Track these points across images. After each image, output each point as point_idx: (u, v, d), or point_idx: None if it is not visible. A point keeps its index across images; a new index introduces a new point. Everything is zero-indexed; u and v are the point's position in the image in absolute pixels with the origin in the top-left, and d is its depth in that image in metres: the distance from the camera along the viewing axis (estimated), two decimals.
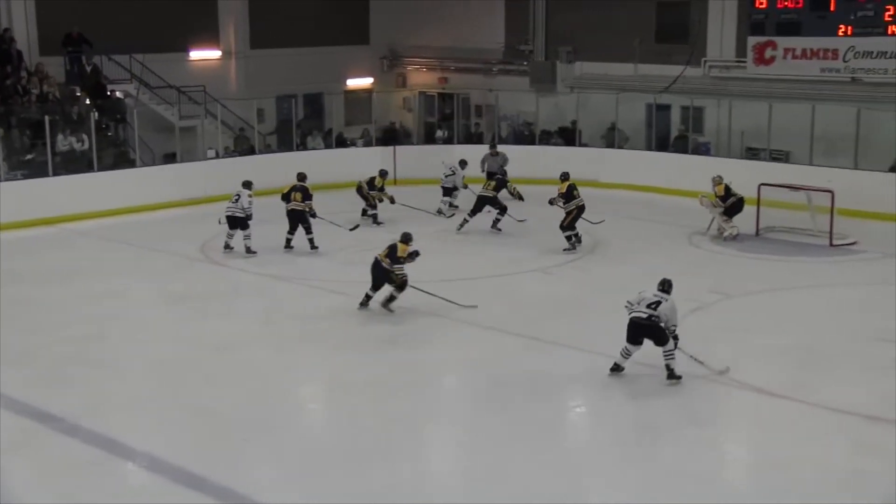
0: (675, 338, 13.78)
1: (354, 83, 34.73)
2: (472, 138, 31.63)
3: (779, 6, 27.14)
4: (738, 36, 28.48)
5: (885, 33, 25.56)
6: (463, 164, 25.01)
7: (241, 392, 13.68)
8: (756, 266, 20.28)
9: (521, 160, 28.17)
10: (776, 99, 26.27)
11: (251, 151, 28.59)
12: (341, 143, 30.80)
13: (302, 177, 21.50)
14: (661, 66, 29.34)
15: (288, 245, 21.17)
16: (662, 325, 13.63)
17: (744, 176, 23.58)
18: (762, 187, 22.75)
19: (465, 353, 15.61)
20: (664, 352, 13.69)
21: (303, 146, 29.29)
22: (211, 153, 27.75)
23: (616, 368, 14.09)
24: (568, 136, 30.21)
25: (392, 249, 16.75)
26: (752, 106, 26.66)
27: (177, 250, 21.44)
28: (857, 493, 11.09)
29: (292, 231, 21.15)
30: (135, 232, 23.06)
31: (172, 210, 25.09)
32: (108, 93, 28.25)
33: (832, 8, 26.28)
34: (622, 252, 20.91)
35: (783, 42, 27.28)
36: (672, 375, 13.75)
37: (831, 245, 21.15)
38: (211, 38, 32.05)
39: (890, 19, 25.43)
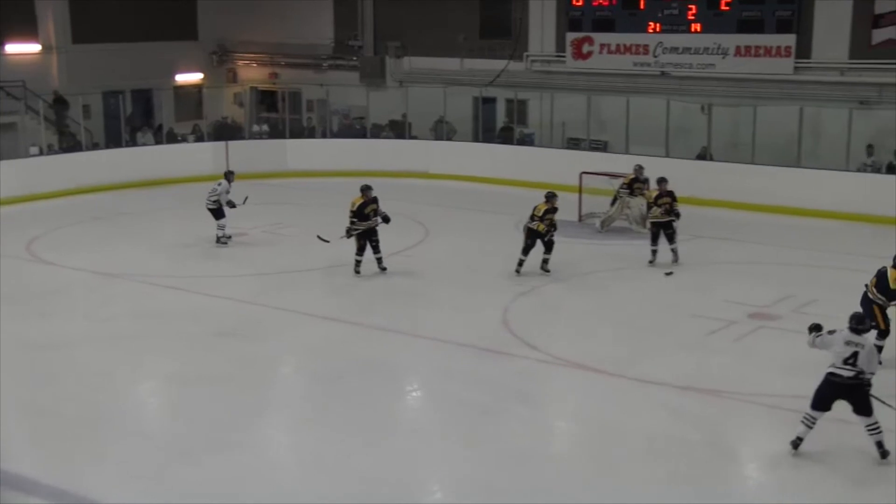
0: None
1: (184, 78, 34.16)
2: (304, 132, 31.56)
3: (594, 3, 28.00)
4: (558, 32, 29.08)
5: (688, 31, 26.70)
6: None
7: (73, 391, 13.44)
8: (579, 250, 20.74)
9: (353, 153, 28.49)
10: (594, 92, 26.96)
11: (78, 148, 27.95)
12: (172, 138, 30.35)
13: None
14: (486, 60, 29.75)
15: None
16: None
17: (566, 165, 24.25)
18: (583, 175, 23.38)
19: (301, 342, 15.69)
20: (867, 426, 11.09)
21: (132, 142, 28.77)
22: (34, 150, 27.06)
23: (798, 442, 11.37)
24: (398, 129, 30.36)
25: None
26: (572, 98, 27.31)
27: (2, 251, 20.61)
28: (675, 458, 11.54)
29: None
30: None
31: None
32: None
33: (642, 6, 27.32)
34: (452, 241, 21.25)
35: (599, 38, 28.10)
36: (885, 453, 11.09)
37: (647, 229, 21.84)
38: (29, 32, 31.00)
39: (693, 17, 26.59)
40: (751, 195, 23.98)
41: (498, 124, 30.18)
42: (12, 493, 10.50)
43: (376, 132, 30.66)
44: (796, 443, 11.25)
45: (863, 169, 23.71)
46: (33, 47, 31.31)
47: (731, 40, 26.30)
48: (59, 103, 29.29)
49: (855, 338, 11.05)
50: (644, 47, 27.45)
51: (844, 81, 25.13)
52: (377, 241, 18.65)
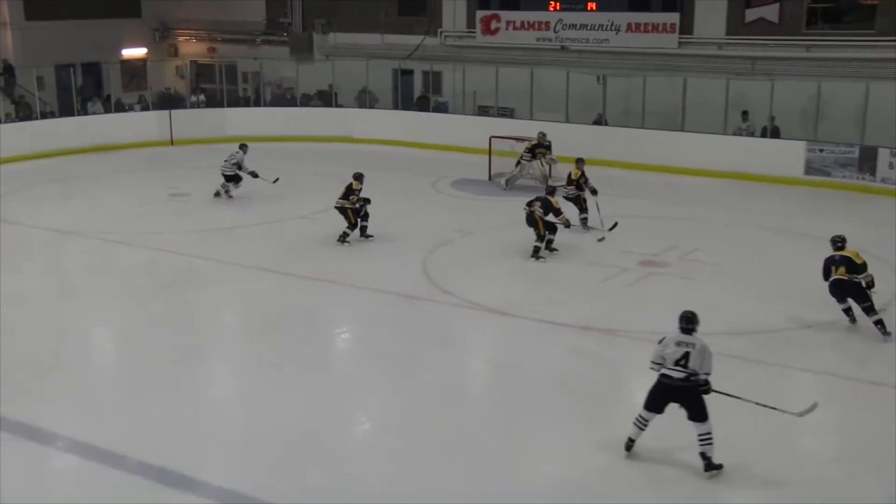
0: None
1: (129, 53, 33.46)
2: (240, 102, 31.16)
3: None
4: (469, 10, 28.98)
5: (585, 9, 26.79)
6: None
7: (28, 338, 13.11)
8: (489, 206, 20.73)
9: (285, 120, 28.28)
10: (501, 64, 26.88)
11: (33, 116, 27.27)
12: (120, 107, 29.75)
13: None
14: (404, 36, 29.53)
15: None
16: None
17: (477, 130, 24.18)
18: (493, 139, 23.30)
19: (238, 292, 15.51)
20: (699, 435, 9.49)
21: (83, 111, 28.16)
22: None
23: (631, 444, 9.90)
24: (326, 98, 30.08)
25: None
26: (481, 70, 27.17)
27: None
28: (575, 391, 11.60)
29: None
30: None
31: None
32: None
33: None
34: (375, 199, 21.02)
35: (505, 15, 28.08)
36: (711, 466, 9.47)
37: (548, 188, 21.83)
38: None
39: None
40: (641, 156, 24.14)
41: (415, 94, 29.98)
42: None
43: (305, 101, 30.36)
44: (629, 445, 9.74)
45: (738, 133, 23.88)
46: None
47: (623, 18, 26.37)
48: (7, 72, 28.53)
49: (685, 338, 9.53)
50: (546, 24, 27.42)
51: (722, 55, 25.29)
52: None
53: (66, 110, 27.98)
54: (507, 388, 11.89)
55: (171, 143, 27.83)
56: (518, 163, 22.27)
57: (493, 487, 9.28)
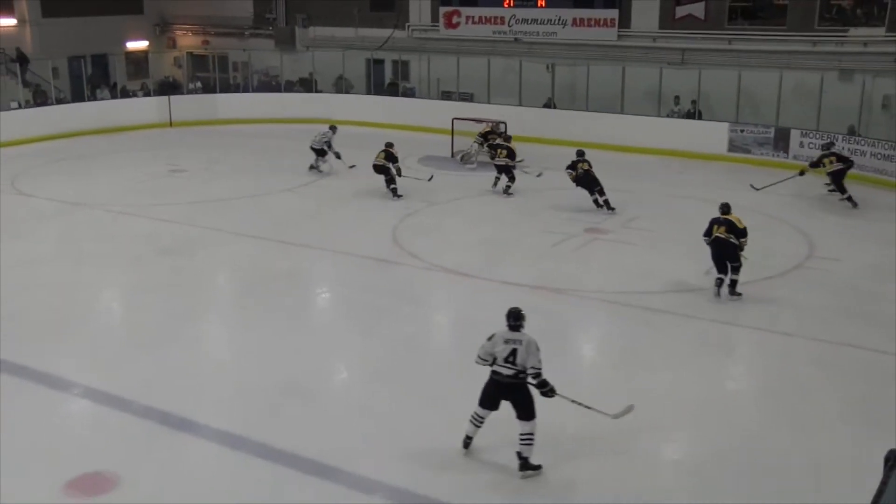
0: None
1: (133, 45, 32.97)
2: (231, 88, 30.79)
3: None
4: (433, 6, 28.73)
5: (536, 6, 26.70)
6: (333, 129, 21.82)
7: (44, 298, 12.96)
8: (454, 180, 20.55)
9: (270, 105, 28.16)
10: (462, 54, 26.74)
11: (48, 102, 26.85)
12: (125, 94, 29.38)
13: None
14: (376, 29, 29.32)
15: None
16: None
17: (441, 112, 24.07)
18: (455, 120, 23.19)
19: (228, 257, 15.33)
20: (521, 434, 8.50)
21: (93, 97, 27.77)
22: (14, 105, 26.04)
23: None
24: (307, 85, 29.80)
25: None
26: (445, 60, 27.03)
27: None
28: None
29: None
30: None
31: None
32: None
33: None
34: (352, 173, 20.89)
35: (465, 11, 27.90)
36: (527, 466, 8.49)
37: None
38: (6, 8, 29.85)
39: None
40: (585, 136, 23.90)
41: (386, 81, 29.77)
42: None
43: (289, 87, 30.01)
44: (466, 442, 8.79)
45: (671, 115, 23.88)
46: (10, 21, 30.03)
47: (569, 13, 26.25)
48: (21, 59, 28.08)
49: (513, 335, 8.57)
50: (501, 18, 27.25)
51: (656, 47, 25.26)
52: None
53: (77, 96, 27.64)
54: (464, 342, 11.67)
55: (170, 125, 27.52)
56: (473, 143, 22.20)
57: (455, 424, 9.25)
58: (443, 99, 27.46)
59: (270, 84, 30.59)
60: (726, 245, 12.84)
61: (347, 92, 29.21)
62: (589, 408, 8.89)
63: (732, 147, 22.60)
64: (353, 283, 13.95)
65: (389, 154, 18.71)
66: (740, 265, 12.83)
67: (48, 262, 14.82)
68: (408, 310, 12.80)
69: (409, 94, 28.78)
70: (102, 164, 22.39)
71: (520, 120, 23.38)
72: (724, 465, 8.68)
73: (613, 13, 25.70)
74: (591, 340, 12.37)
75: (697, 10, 24.70)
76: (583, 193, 17.85)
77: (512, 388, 8.51)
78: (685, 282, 13.65)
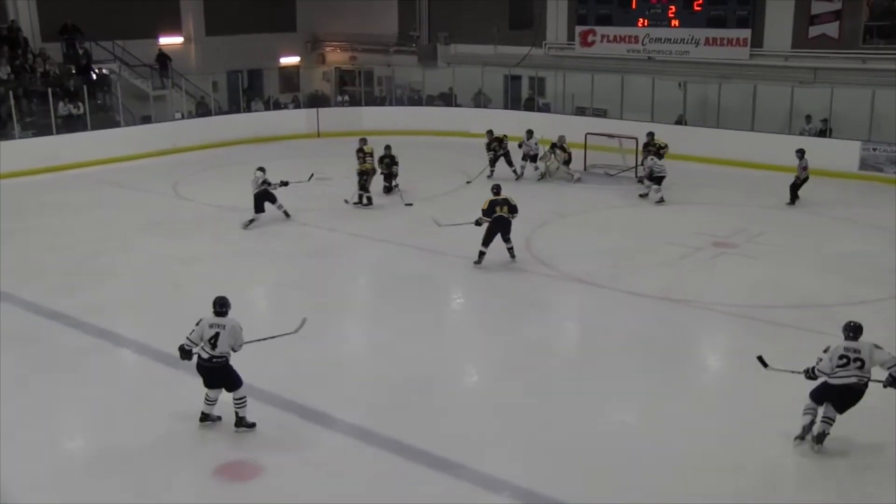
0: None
1: (286, 61, 33.89)
2: (376, 101, 31.32)
3: (597, 3, 27.53)
4: (569, 25, 28.59)
5: (669, 25, 26.24)
6: (529, 134, 21.98)
7: (203, 292, 13.26)
8: (583, 193, 20.42)
9: (412, 117, 28.40)
10: (596, 71, 26.49)
11: (209, 113, 27.89)
12: (277, 106, 30.31)
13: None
14: (514, 47, 29.30)
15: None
16: None
17: (574, 127, 23.81)
18: (588, 135, 23.01)
19: (365, 259, 15.71)
20: (235, 399, 9.26)
21: (248, 109, 28.75)
22: (178, 115, 27.20)
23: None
24: (447, 99, 30.05)
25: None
26: (579, 77, 26.84)
27: (153, 189, 20.99)
28: (649, 352, 11.43)
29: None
30: (120, 176, 22.46)
31: (149, 159, 24.40)
32: (97, 70, 27.40)
33: (634, 6, 26.87)
34: (488, 184, 20.93)
35: (601, 30, 27.63)
36: (242, 423, 9.29)
37: (636, 177, 21.52)
38: (175, 28, 31.09)
39: (672, 15, 26.27)
40: (716, 152, 23.50)
41: (523, 96, 29.70)
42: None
43: (430, 101, 30.35)
44: (203, 418, 9.33)
45: (803, 133, 23.10)
46: (177, 39, 31.28)
47: (702, 33, 25.72)
48: (162, 58, 29.33)
49: (217, 320, 9.00)
50: (635, 38, 26.93)
51: (787, 66, 24.50)
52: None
53: (234, 108, 28.63)
54: (588, 346, 11.90)
55: (318, 135, 28.18)
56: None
57: (577, 427, 9.22)
58: (577, 114, 27.25)
59: (412, 98, 30.98)
60: (506, 222, 14.45)
61: (485, 106, 29.32)
62: (273, 337, 9.73)
63: (864, 165, 21.74)
64: (483, 289, 14.04)
65: (391, 158, 19.29)
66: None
67: (206, 260, 15.45)
68: (535, 315, 12.82)
69: (543, 109, 28.70)
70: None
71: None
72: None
73: (746, 33, 25.06)
74: (711, 351, 12.11)
75: (831, 29, 23.88)
76: (715, 209, 17.48)
77: (212, 370, 9.05)
78: (812, 298, 13.21)
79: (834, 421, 8.69)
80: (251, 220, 17.55)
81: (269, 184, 17.52)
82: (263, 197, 17.54)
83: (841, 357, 8.49)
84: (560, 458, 8.75)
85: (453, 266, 15.12)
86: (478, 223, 14.75)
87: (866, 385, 8.53)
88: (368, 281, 15.01)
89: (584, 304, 13.61)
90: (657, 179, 19.30)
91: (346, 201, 18.93)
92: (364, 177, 19.05)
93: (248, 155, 25.32)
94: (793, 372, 8.96)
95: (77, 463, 8.93)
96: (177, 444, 9.10)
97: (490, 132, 22.01)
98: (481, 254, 14.80)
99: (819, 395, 8.76)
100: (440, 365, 11.00)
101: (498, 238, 14.67)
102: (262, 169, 17.82)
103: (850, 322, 8.66)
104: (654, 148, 20.60)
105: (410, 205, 18.94)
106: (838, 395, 8.60)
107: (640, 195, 19.63)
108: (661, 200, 19.03)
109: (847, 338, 8.55)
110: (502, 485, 8.31)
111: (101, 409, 9.96)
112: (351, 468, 8.69)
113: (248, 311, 13.07)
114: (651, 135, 21.12)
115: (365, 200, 18.96)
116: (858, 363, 8.44)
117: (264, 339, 9.70)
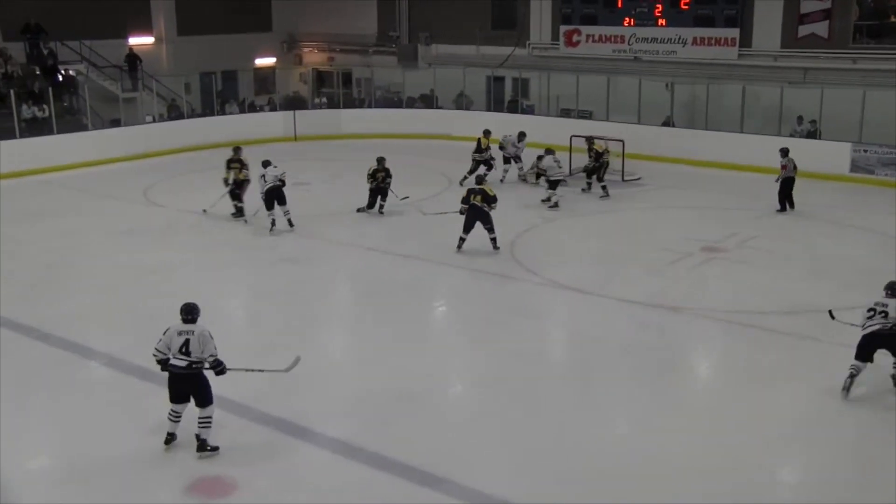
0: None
1: (261, 62, 33.80)
2: (355, 103, 31.23)
3: (581, 1, 27.55)
4: (553, 24, 28.60)
5: (656, 25, 26.30)
6: (521, 136, 22.30)
7: (175, 303, 13.14)
8: (571, 197, 20.21)
9: (392, 120, 28.33)
10: (582, 72, 26.51)
11: (181, 116, 27.74)
12: (252, 108, 30.16)
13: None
14: (497, 47, 29.27)
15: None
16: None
17: (559, 130, 23.85)
18: (573, 138, 22.97)
19: (345, 267, 15.60)
20: (200, 418, 8.94)
21: (222, 112, 28.55)
22: (149, 118, 27.02)
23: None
24: (427, 101, 30.01)
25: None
26: (564, 78, 26.86)
27: (123, 195, 20.74)
28: (639, 359, 11.37)
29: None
30: (88, 182, 22.24)
31: (118, 164, 24.13)
32: (63, 71, 27.09)
33: (619, 5, 26.93)
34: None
35: (586, 30, 27.64)
36: (204, 447, 8.94)
37: (623, 180, 21.52)
38: (145, 27, 30.80)
39: (659, 14, 26.32)
40: (704, 154, 23.58)
41: (506, 98, 29.73)
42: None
43: (410, 103, 30.28)
44: (168, 439, 9.05)
45: (793, 134, 23.15)
46: (148, 39, 31.01)
47: (689, 32, 25.75)
48: (131, 59, 29.07)
49: (186, 327, 8.88)
50: (621, 37, 26.96)
51: (777, 66, 24.58)
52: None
53: (207, 110, 28.47)
54: (577, 354, 11.84)
55: (295, 138, 28.07)
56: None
57: (567, 440, 9.14)
58: (561, 116, 27.25)
59: (392, 100, 30.91)
60: (480, 210, 15.30)
61: (467, 108, 29.29)
62: (262, 371, 9.56)
63: (855, 167, 21.82)
64: (466, 297, 13.98)
65: (386, 171, 18.45)
66: (492, 225, 15.30)
67: (180, 267, 15.29)
68: (520, 323, 12.70)
69: (527, 111, 28.70)
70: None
71: (635, 137, 23.00)
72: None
73: (734, 32, 25.12)
74: (703, 358, 12.07)
75: (821, 28, 23.98)
76: (704, 213, 17.47)
77: (186, 378, 8.81)
78: (804, 303, 13.20)
79: None
80: (273, 222, 17.21)
81: (284, 183, 17.24)
82: (275, 194, 17.22)
83: (869, 310, 10.13)
84: (548, 471, 8.66)
85: (437, 274, 15.03)
86: (461, 212, 15.72)
87: (891, 329, 9.91)
88: (350, 289, 14.88)
89: (572, 311, 13.54)
90: (552, 183, 19.12)
91: (359, 210, 18.76)
92: (236, 188, 18.20)
93: (222, 159, 25.15)
94: (852, 325, 10.30)
95: (46, 480, 8.76)
96: (148, 460, 8.93)
97: (487, 133, 21.87)
98: (461, 240, 15.76)
99: (858, 351, 10.05)
100: (425, 376, 10.88)
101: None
102: (268, 162, 17.60)
103: (893, 281, 10.23)
104: (592, 154, 20.52)
105: (406, 198, 18.81)
106: (868, 343, 10.02)
107: (583, 189, 20.25)
108: (556, 206, 18.94)
109: (886, 295, 10.13)
110: (489, 499, 8.21)
111: (69, 423, 9.78)
112: (331, 484, 8.56)
113: (222, 321, 12.95)
114: (590, 139, 20.95)
115: (236, 211, 18.27)
116: (883, 314, 9.98)
117: (252, 371, 9.54)
